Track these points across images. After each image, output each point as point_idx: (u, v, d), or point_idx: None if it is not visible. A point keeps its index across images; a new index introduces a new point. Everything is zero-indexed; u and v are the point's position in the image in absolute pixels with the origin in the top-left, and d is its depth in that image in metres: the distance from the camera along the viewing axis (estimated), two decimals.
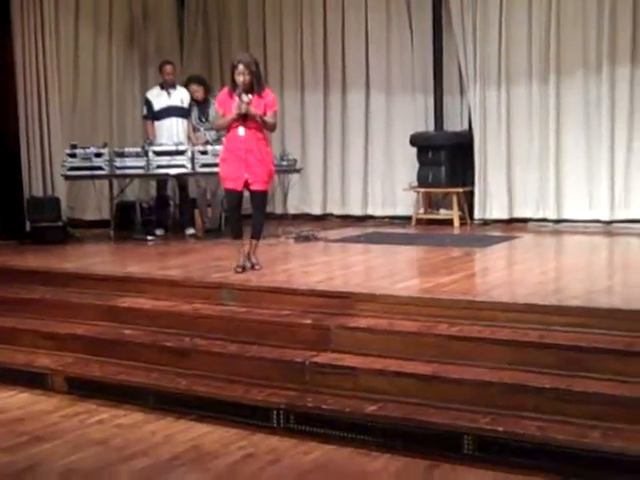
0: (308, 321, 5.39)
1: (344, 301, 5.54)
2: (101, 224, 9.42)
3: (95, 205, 9.64)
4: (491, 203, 9.43)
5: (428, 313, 5.25)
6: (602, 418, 4.12)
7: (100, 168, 8.51)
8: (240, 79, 6.31)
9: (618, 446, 3.91)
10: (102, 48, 10.27)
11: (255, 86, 6.36)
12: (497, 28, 9.25)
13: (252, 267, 6.50)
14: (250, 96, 6.32)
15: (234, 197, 6.52)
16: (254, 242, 6.57)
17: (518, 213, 9.36)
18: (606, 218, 8.83)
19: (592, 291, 5.54)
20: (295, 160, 9.36)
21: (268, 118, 6.40)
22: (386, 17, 9.97)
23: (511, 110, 9.32)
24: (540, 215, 9.22)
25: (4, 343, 6.17)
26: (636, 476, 3.83)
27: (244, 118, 6.32)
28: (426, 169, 9.44)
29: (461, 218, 9.36)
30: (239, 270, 6.38)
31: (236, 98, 6.32)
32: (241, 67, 6.31)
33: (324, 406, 4.66)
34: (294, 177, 9.75)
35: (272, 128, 6.59)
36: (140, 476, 4.17)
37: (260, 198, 6.54)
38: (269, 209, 9.78)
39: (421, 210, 9.71)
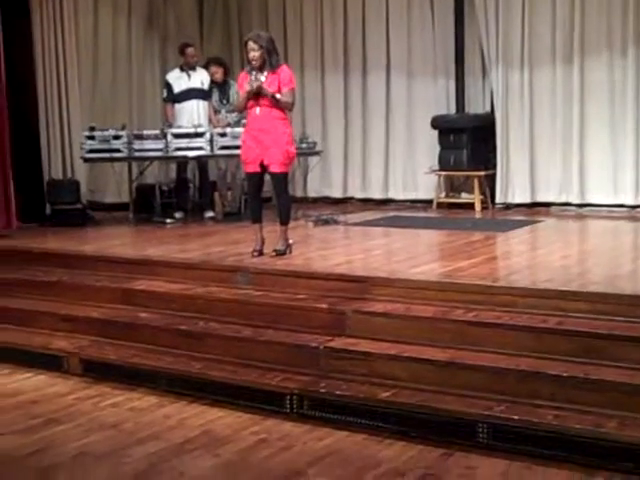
0: (324, 305, 5.34)
1: (361, 285, 5.48)
2: (121, 207, 9.41)
3: (115, 188, 9.62)
4: (513, 187, 9.30)
5: (445, 298, 5.18)
6: (619, 407, 4.04)
7: (119, 150, 8.49)
8: (250, 55, 6.21)
9: (635, 436, 3.82)
10: (121, 29, 10.22)
11: (267, 62, 6.22)
12: (520, 8, 9.09)
13: (282, 253, 6.33)
14: (265, 73, 6.21)
15: (253, 180, 6.45)
16: (282, 227, 6.44)
17: (541, 197, 9.22)
18: (631, 202, 8.67)
19: (613, 277, 5.45)
20: (315, 143, 9.28)
21: (281, 96, 6.20)
22: None
23: (534, 92, 9.16)
24: (563, 199, 9.08)
25: (22, 325, 6.18)
26: None
27: (257, 97, 6.22)
28: (447, 152, 9.34)
29: (483, 202, 9.25)
30: (255, 254, 6.32)
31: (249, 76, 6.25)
32: (251, 43, 6.20)
33: (338, 392, 4.61)
34: (314, 160, 9.68)
35: (287, 106, 6.30)
36: (152, 460, 4.14)
37: (278, 180, 6.41)
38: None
39: (442, 194, 9.61)
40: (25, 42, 8.89)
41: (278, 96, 6.19)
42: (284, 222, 6.45)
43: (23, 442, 4.41)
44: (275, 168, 6.30)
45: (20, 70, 8.77)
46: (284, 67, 6.35)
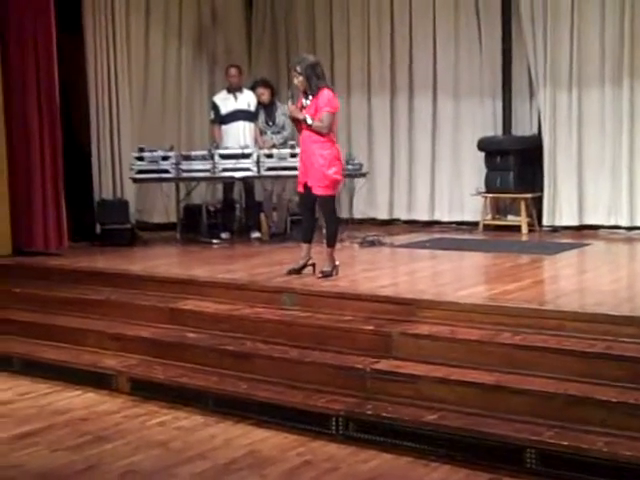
0: (370, 327, 5.34)
1: (407, 307, 5.47)
2: (168, 227, 9.52)
3: (162, 208, 9.76)
4: (561, 209, 9.21)
5: (492, 321, 5.15)
6: None
7: (167, 171, 8.61)
8: (294, 82, 6.43)
9: None
10: (172, 51, 10.38)
11: (307, 88, 6.34)
12: (568, 29, 9.02)
13: (328, 274, 6.35)
14: (310, 98, 6.32)
15: (300, 199, 6.70)
16: (327, 249, 6.45)
17: (589, 220, 9.12)
18: None
19: None
20: (361, 164, 9.31)
21: (314, 120, 6.25)
22: (454, 19, 9.84)
23: (582, 114, 9.08)
24: (612, 222, 8.96)
25: (71, 343, 6.27)
26: None
27: (297, 121, 6.42)
28: (494, 174, 9.30)
29: (529, 224, 9.18)
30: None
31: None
32: (292, 70, 6.42)
33: (384, 414, 4.60)
34: (360, 181, 9.70)
35: (319, 130, 6.27)
36: (197, 479, 4.17)
37: (321, 203, 6.49)
38: None
39: (488, 216, 9.55)
40: (78, 62, 9.07)
41: (309, 121, 6.28)
42: (329, 244, 6.48)
43: (73, 459, 4.47)
44: (317, 191, 6.38)
45: (73, 90, 8.96)
46: (324, 91, 6.36)
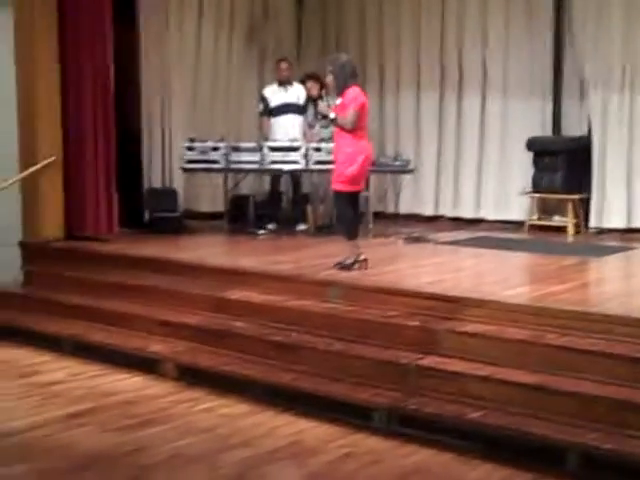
0: (415, 323, 5.38)
1: (452, 305, 5.49)
2: (216, 216, 9.63)
3: (211, 197, 9.87)
4: (609, 211, 9.13)
5: (538, 322, 5.14)
6: None
7: (216, 162, 8.71)
8: (326, 80, 6.71)
9: None
10: (223, 45, 10.42)
11: (336, 86, 6.51)
12: (620, 30, 8.93)
13: (345, 267, 6.49)
14: (340, 99, 6.48)
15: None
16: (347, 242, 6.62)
17: (637, 223, 9.03)
18: None
19: None
20: (408, 161, 9.33)
21: (338, 118, 6.41)
22: (504, 19, 9.76)
23: (633, 116, 8.98)
24: None
25: (121, 327, 6.41)
26: None
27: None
28: (541, 174, 9.24)
29: (576, 226, 9.12)
30: (332, 265, 6.51)
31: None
32: (326, 69, 6.64)
33: (426, 410, 4.65)
34: (406, 177, 9.72)
35: (342, 126, 6.41)
36: (242, 466, 4.26)
37: (335, 197, 6.67)
38: (380, 208, 9.89)
39: (535, 216, 9.51)
40: (132, 54, 9.22)
41: (331, 116, 6.53)
42: (344, 235, 6.62)
43: (120, 441, 4.59)
44: (334, 186, 6.58)
45: (126, 82, 9.07)
46: (350, 89, 6.48)
